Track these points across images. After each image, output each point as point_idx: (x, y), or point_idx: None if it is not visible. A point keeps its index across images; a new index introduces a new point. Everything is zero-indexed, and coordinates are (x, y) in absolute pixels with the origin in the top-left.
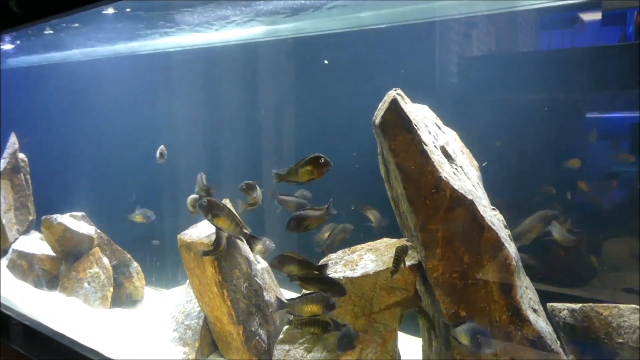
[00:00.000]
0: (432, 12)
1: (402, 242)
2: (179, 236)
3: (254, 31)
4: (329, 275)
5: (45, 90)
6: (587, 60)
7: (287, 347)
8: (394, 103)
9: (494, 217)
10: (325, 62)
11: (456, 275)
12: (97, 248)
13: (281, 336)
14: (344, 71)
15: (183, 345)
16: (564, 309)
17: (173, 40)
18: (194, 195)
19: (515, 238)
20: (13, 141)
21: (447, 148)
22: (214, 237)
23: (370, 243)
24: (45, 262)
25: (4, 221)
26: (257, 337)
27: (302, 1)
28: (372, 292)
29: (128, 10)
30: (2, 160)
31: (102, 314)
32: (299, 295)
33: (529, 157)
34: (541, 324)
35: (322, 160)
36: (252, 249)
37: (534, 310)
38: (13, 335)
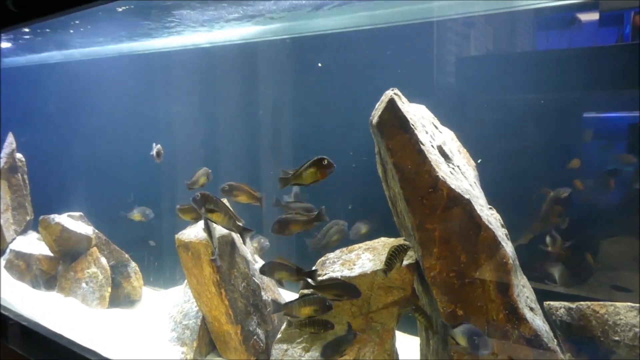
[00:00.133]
0: (430, 12)
1: (400, 241)
2: (177, 236)
3: (251, 31)
4: (341, 278)
5: (43, 89)
6: (585, 61)
7: (285, 346)
8: (391, 103)
9: (491, 217)
10: (319, 65)
11: (453, 275)
12: (95, 248)
13: (279, 335)
14: (341, 71)
15: (181, 345)
16: (560, 308)
17: (171, 40)
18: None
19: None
20: (10, 141)
21: (444, 148)
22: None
23: (367, 242)
24: (42, 262)
25: (1, 221)
26: (255, 337)
27: (302, 1)
28: (370, 292)
29: (126, 9)
30: (0, 160)
31: (100, 314)
32: (296, 295)
33: (525, 156)
34: (538, 322)
35: (326, 162)
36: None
37: (531, 309)
38: (10, 335)
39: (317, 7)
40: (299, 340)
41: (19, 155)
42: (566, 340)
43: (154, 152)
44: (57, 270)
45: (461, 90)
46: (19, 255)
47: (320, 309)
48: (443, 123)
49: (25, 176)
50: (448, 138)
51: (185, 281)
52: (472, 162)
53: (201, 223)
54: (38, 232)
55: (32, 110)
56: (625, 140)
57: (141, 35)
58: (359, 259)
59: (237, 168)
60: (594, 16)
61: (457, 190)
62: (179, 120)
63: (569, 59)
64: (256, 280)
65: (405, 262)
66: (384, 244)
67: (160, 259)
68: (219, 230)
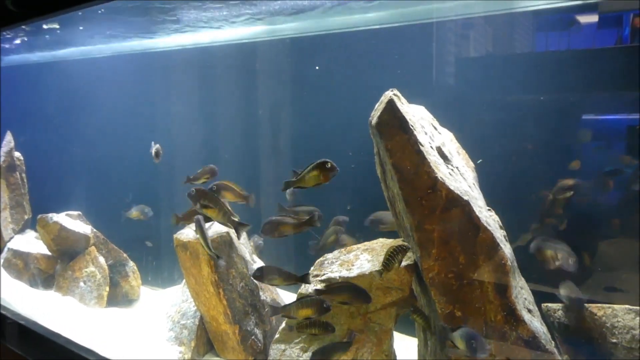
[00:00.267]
0: (430, 14)
1: (398, 242)
2: (175, 236)
3: (251, 31)
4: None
5: (42, 88)
6: (584, 63)
7: (283, 346)
8: (391, 103)
9: (489, 218)
10: (317, 68)
11: (452, 276)
12: (93, 247)
13: (277, 336)
14: (341, 71)
15: (179, 344)
16: (558, 309)
17: (170, 39)
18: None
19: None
20: (9, 139)
21: (443, 149)
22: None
23: (366, 243)
24: (40, 261)
25: None
26: (253, 337)
27: (301, 1)
28: (368, 292)
29: (126, 8)
30: None
31: (98, 313)
32: (295, 295)
33: (524, 158)
34: (536, 324)
35: (329, 165)
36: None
37: (529, 311)
38: (8, 334)
39: (317, 7)
40: (297, 340)
41: (17, 154)
42: (564, 342)
43: (152, 151)
44: (55, 269)
45: (460, 91)
46: (16, 254)
47: (318, 310)
48: (442, 124)
49: (24, 175)
50: (447, 139)
51: (184, 281)
52: (471, 163)
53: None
54: (36, 231)
55: (30, 109)
56: (623, 141)
57: (140, 35)
58: (358, 260)
59: (236, 168)
60: (593, 18)
61: (456, 191)
62: (178, 119)
63: (568, 61)
64: (254, 280)
65: (403, 263)
66: (382, 245)
67: (158, 259)
68: (218, 230)
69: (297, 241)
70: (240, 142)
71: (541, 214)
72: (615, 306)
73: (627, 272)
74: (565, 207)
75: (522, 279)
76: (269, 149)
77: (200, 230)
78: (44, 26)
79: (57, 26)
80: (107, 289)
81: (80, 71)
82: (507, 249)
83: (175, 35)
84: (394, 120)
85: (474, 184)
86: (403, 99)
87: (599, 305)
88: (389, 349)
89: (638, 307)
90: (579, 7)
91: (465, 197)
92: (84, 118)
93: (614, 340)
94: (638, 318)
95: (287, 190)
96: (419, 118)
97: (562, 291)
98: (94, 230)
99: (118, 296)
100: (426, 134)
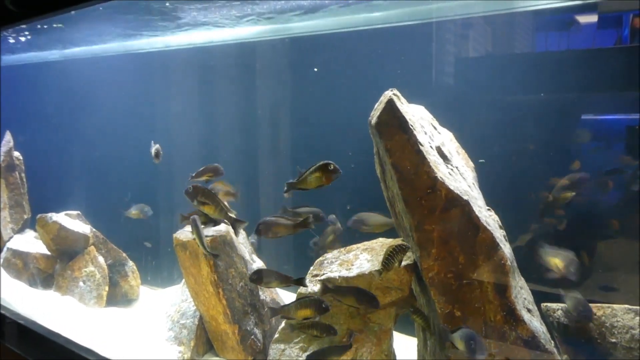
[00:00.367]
0: (429, 13)
1: (398, 241)
2: (174, 235)
3: (250, 30)
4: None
5: (41, 88)
6: (583, 63)
7: (282, 346)
8: (390, 103)
9: (489, 218)
10: (315, 69)
11: (451, 275)
12: (92, 247)
13: (277, 335)
14: (340, 71)
15: (178, 344)
16: (558, 309)
17: (170, 39)
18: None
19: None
20: (8, 139)
21: (443, 148)
22: (210, 236)
23: (366, 243)
24: (40, 260)
25: None
26: (252, 337)
27: (301, 1)
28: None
29: (125, 7)
30: None
31: (98, 313)
32: (295, 295)
33: (523, 158)
34: (535, 324)
35: (332, 167)
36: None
37: (529, 310)
38: (7, 334)
39: (317, 7)
40: (297, 340)
41: (16, 154)
42: (563, 342)
43: (152, 151)
44: (54, 269)
45: (460, 91)
46: (16, 253)
47: (317, 310)
48: (442, 124)
49: (23, 174)
50: (447, 139)
51: (183, 280)
52: (471, 163)
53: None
54: (35, 230)
55: (29, 109)
56: (622, 142)
57: (139, 34)
58: (357, 260)
59: (236, 167)
60: (592, 18)
61: (455, 191)
62: (178, 119)
63: (567, 61)
64: None
65: (403, 263)
66: (382, 245)
67: (157, 258)
68: (218, 229)
69: (297, 241)
70: (240, 141)
71: (540, 213)
72: (615, 306)
73: (626, 273)
74: (566, 207)
75: (522, 278)
76: (268, 149)
77: (196, 229)
78: (44, 26)
79: (61, 25)
80: (107, 288)
81: (79, 70)
82: (506, 248)
83: (175, 34)
84: (393, 120)
85: (473, 183)
86: (403, 99)
87: (598, 305)
88: (388, 348)
89: (637, 307)
90: (579, 7)
91: (465, 197)
92: (83, 117)
93: (614, 340)
94: (637, 318)
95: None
96: (419, 118)
97: (569, 303)
98: (93, 229)
99: (117, 296)
100: (426, 133)
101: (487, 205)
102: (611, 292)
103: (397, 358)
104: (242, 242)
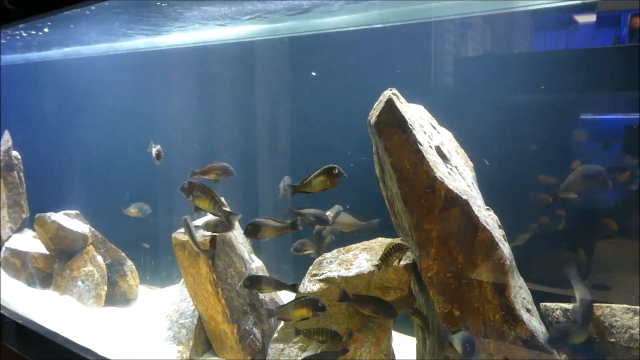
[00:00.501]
0: (428, 13)
1: (397, 241)
2: (173, 235)
3: (249, 30)
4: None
5: (40, 87)
6: (582, 62)
7: (281, 346)
8: (390, 103)
9: (488, 217)
10: (313, 74)
11: (450, 275)
12: (91, 246)
13: (275, 335)
14: (340, 71)
15: (177, 344)
16: (557, 309)
17: (169, 38)
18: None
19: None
20: (6, 139)
21: (442, 148)
22: (209, 236)
23: (365, 242)
24: (38, 260)
25: None
26: (251, 336)
27: (301, 1)
28: (367, 292)
29: (125, 6)
30: None
31: (96, 313)
32: (294, 294)
33: (523, 157)
34: (534, 323)
35: (336, 171)
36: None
37: (528, 310)
38: (6, 334)
39: (317, 7)
40: (296, 339)
41: (15, 153)
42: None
43: (151, 151)
44: (53, 268)
45: (459, 90)
46: (14, 253)
47: (313, 310)
48: (441, 123)
49: (22, 174)
50: (446, 138)
51: (182, 280)
52: (470, 163)
53: (200, 222)
54: (34, 230)
55: (28, 108)
56: (621, 142)
57: (138, 34)
58: (356, 259)
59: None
60: (591, 18)
61: (454, 190)
62: (177, 119)
63: (566, 60)
64: None
65: (402, 263)
66: (381, 244)
67: (156, 258)
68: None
69: (297, 241)
70: (239, 141)
71: (539, 213)
72: (614, 305)
73: (625, 272)
74: (565, 207)
75: (521, 278)
76: (268, 148)
77: (188, 228)
78: (41, 25)
79: (61, 24)
80: (105, 288)
81: (78, 70)
82: (506, 248)
83: (174, 34)
84: (392, 119)
85: (472, 183)
86: (402, 99)
87: (597, 304)
88: (387, 348)
89: (636, 307)
90: (577, 7)
91: (464, 197)
92: (82, 117)
93: (612, 340)
94: (636, 317)
95: (280, 186)
96: (418, 117)
97: (578, 293)
98: (92, 229)
99: (116, 295)
100: (425, 133)
101: (487, 205)
102: (606, 291)
103: (396, 358)
104: (241, 242)
